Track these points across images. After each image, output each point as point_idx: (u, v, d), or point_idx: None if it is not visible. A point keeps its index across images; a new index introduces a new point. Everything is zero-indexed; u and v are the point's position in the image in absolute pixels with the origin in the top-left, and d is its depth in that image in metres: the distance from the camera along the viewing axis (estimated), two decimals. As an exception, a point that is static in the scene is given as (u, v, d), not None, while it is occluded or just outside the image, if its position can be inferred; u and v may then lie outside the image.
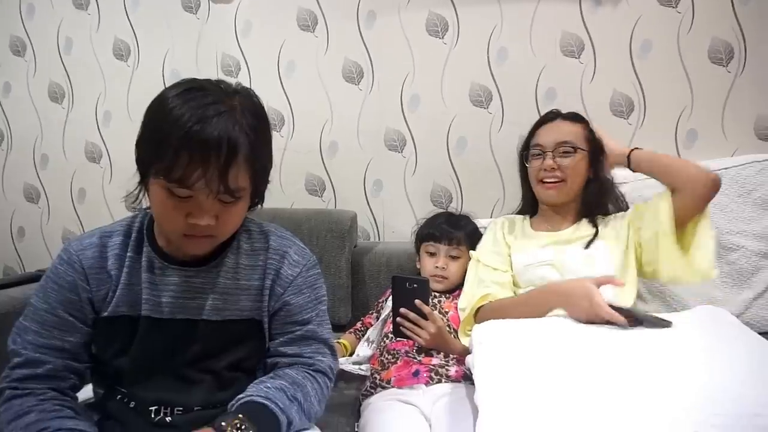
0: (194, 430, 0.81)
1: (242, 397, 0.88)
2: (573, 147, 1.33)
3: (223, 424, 0.80)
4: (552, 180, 1.33)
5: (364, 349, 1.42)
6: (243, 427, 0.80)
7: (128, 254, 0.92)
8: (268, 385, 0.90)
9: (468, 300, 1.32)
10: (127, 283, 0.91)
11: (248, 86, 0.88)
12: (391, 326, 1.30)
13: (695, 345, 0.94)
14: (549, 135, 1.36)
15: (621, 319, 1.03)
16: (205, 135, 0.77)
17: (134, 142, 0.85)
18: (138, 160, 0.85)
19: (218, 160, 0.78)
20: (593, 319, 1.05)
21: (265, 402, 0.86)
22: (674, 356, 0.90)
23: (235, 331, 0.94)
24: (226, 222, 0.86)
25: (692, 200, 1.21)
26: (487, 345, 1.02)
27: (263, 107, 0.88)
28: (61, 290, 0.89)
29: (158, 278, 0.92)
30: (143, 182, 0.86)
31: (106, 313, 0.90)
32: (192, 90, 0.81)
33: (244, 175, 0.82)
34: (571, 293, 1.11)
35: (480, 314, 1.26)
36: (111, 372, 0.92)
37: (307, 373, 0.95)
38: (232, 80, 0.88)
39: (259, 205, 0.95)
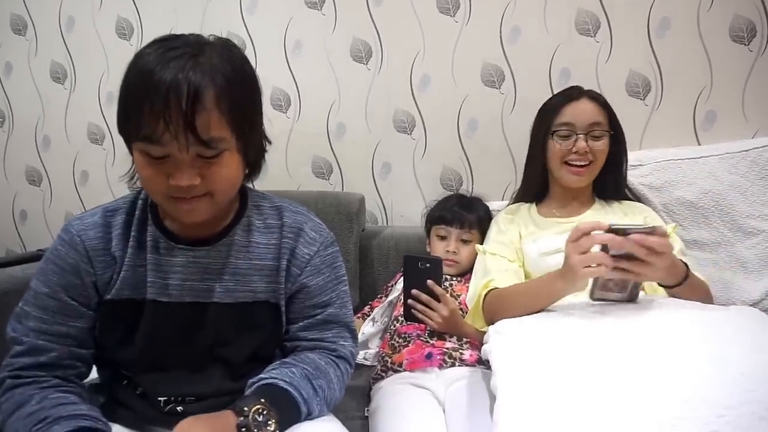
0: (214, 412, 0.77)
1: (265, 378, 0.84)
2: (603, 131, 1.28)
3: (245, 409, 0.76)
4: (581, 163, 1.28)
5: (368, 328, 1.39)
6: (264, 412, 0.77)
7: (132, 233, 0.86)
8: (294, 370, 0.86)
9: (473, 292, 1.27)
10: (131, 265, 0.85)
11: (254, 64, 0.83)
12: (402, 309, 1.26)
13: (715, 337, 0.89)
14: (580, 115, 1.28)
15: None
16: (160, 78, 0.71)
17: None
18: (118, 130, 0.79)
19: (179, 105, 0.71)
20: (579, 268, 0.94)
21: (289, 389, 0.82)
22: (695, 351, 0.85)
23: (249, 314, 0.88)
24: (214, 179, 0.77)
25: None
26: (506, 334, 0.99)
27: (242, 58, 0.81)
28: (62, 273, 0.84)
29: (164, 259, 0.86)
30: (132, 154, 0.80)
31: (109, 296, 0.85)
32: (159, 40, 0.76)
33: (219, 123, 0.74)
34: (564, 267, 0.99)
35: (487, 304, 1.20)
36: (116, 360, 0.88)
37: (330, 358, 0.91)
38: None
39: (256, 172, 0.89)
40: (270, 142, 0.91)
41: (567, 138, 1.28)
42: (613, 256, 0.94)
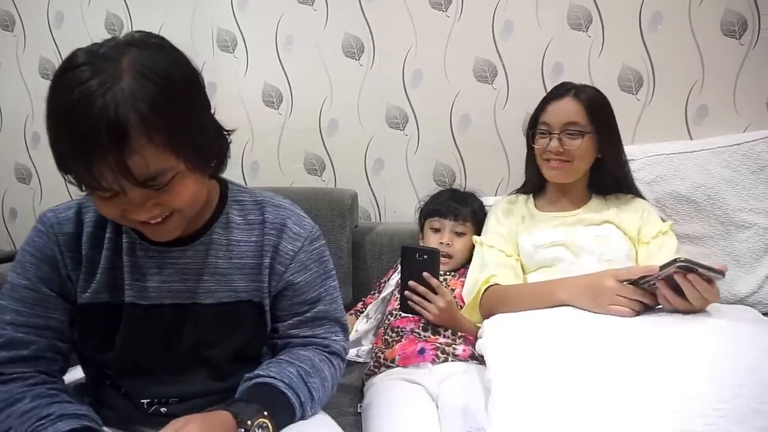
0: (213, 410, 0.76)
1: (264, 376, 0.83)
2: (579, 131, 1.25)
3: (248, 422, 0.74)
4: (557, 160, 1.28)
5: (362, 325, 1.39)
6: (265, 425, 0.76)
7: (107, 234, 0.83)
8: (291, 370, 0.85)
9: (472, 285, 1.27)
10: (107, 267, 0.82)
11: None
12: (397, 302, 1.26)
13: (711, 333, 0.88)
14: (556, 115, 1.27)
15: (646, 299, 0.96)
16: (79, 127, 0.63)
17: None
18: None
19: (104, 154, 0.64)
20: (613, 303, 0.97)
21: (288, 393, 0.82)
22: (689, 345, 0.85)
23: (231, 314, 0.86)
24: (173, 203, 0.73)
25: None
26: (501, 329, 0.98)
27: (169, 63, 0.70)
28: (40, 264, 0.81)
29: (141, 261, 0.83)
30: None
31: (83, 300, 0.82)
32: (70, 68, 0.66)
33: (156, 156, 0.66)
34: (585, 285, 1.02)
35: (485, 299, 1.20)
36: (97, 363, 0.86)
37: (324, 355, 0.90)
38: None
39: (222, 166, 0.82)
40: (229, 132, 0.82)
41: (544, 136, 1.29)
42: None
